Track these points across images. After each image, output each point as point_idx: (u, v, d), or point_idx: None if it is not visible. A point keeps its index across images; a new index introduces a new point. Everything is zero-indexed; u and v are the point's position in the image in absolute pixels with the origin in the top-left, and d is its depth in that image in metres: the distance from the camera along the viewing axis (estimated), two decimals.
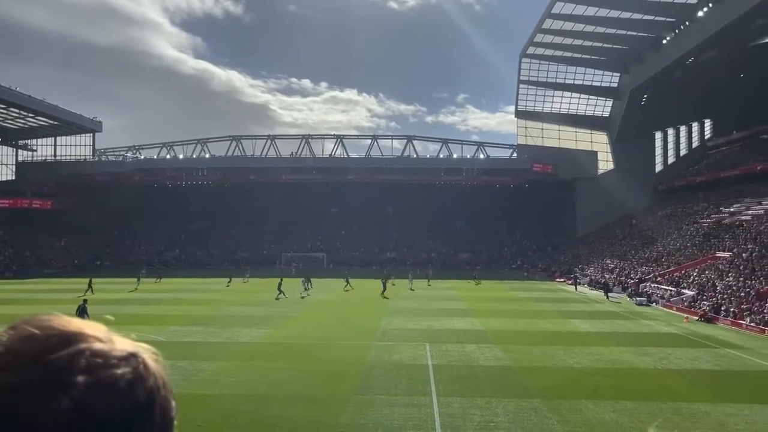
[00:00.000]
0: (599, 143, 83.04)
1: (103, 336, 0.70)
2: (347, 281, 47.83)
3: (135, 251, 79.44)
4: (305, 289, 42.46)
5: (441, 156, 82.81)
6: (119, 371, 0.68)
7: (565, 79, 76.90)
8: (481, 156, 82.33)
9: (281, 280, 42.24)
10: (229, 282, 49.67)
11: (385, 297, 39.78)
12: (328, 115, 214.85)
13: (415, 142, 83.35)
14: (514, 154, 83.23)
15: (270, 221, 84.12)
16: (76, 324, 0.70)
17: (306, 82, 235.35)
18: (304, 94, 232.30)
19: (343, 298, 40.11)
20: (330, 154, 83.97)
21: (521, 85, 79.89)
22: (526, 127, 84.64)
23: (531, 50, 72.05)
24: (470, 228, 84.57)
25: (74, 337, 0.68)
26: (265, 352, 20.61)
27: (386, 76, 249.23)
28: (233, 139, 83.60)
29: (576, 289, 48.33)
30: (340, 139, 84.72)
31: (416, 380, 16.64)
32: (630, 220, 69.30)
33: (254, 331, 24.95)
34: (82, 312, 24.04)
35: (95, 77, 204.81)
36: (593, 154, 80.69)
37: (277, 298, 38.50)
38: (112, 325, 0.77)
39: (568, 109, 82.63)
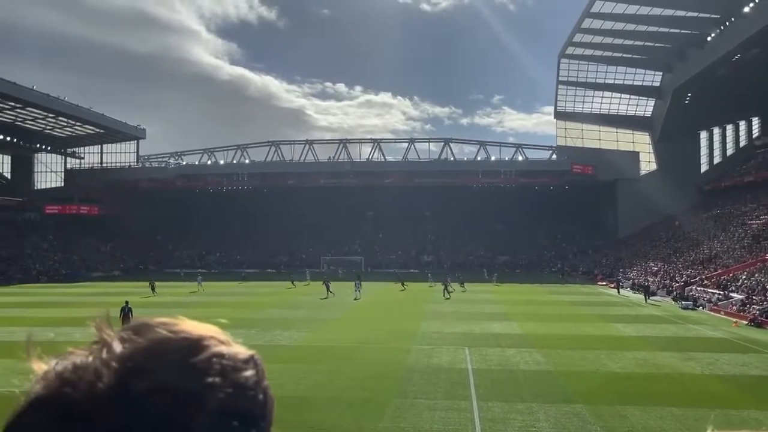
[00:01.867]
0: (641, 143, 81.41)
1: (225, 339, 0.73)
2: (402, 282, 50.24)
3: (177, 255, 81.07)
4: (356, 290, 43.12)
5: (478, 158, 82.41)
6: (247, 373, 0.71)
7: (605, 79, 75.67)
8: (520, 158, 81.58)
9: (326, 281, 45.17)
10: (293, 284, 51.84)
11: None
12: (362, 119, 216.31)
13: (452, 144, 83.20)
14: (554, 156, 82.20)
15: (308, 225, 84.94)
16: (202, 328, 0.73)
17: (341, 86, 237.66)
18: (338, 98, 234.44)
19: (381, 301, 40.19)
20: (367, 158, 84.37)
21: (560, 86, 78.92)
22: (565, 128, 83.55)
23: (570, 50, 71.10)
24: (509, 230, 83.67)
25: (205, 341, 0.70)
26: (304, 354, 20.79)
27: (420, 79, 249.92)
28: (272, 145, 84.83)
29: (618, 292, 47.37)
30: (377, 143, 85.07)
31: (456, 384, 16.56)
32: (673, 222, 67.60)
33: (294, 334, 25.20)
34: (126, 313, 24.71)
35: (136, 85, 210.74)
36: (635, 155, 79.04)
37: (324, 298, 40.76)
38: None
39: (609, 109, 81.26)
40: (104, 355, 0.66)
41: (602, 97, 79.47)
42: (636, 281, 51.20)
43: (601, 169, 76.05)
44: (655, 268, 53.90)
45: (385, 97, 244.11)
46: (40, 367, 0.67)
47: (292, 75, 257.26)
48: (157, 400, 0.62)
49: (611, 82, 76.05)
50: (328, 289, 43.42)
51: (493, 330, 26.60)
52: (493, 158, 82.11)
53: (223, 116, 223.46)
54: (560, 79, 77.49)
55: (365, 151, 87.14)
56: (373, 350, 21.60)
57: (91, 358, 0.66)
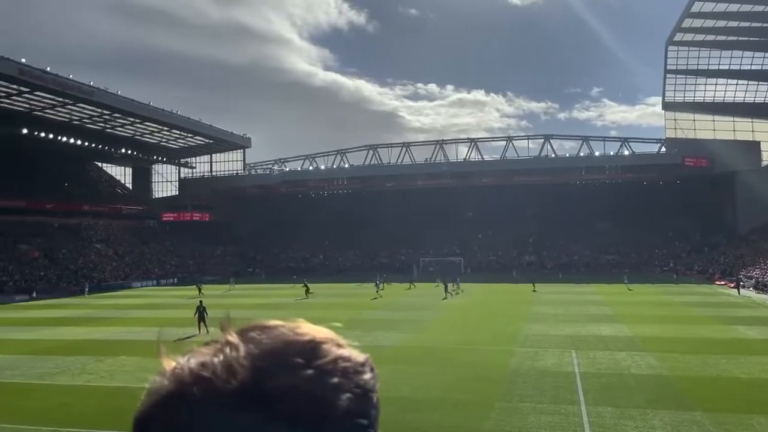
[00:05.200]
0: (762, 132, 75.50)
1: (342, 342, 0.75)
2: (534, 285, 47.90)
3: (283, 258, 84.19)
4: (448, 290, 43.85)
5: (581, 154, 79.72)
6: (366, 376, 0.73)
7: (718, 64, 70.84)
8: (625, 152, 78.13)
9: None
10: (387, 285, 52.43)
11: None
12: (455, 118, 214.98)
13: (552, 140, 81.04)
14: (663, 149, 78.10)
15: (407, 226, 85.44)
16: (321, 331, 0.74)
17: (432, 87, 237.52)
18: (430, 99, 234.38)
19: (480, 302, 39.80)
20: (464, 158, 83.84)
21: (668, 75, 74.63)
22: (674, 120, 78.95)
23: (678, 37, 67.14)
24: (615, 229, 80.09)
25: (327, 344, 0.71)
26: (407, 355, 20.93)
27: (513, 74, 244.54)
28: (370, 149, 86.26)
29: (739, 292, 44.12)
30: (474, 142, 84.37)
31: (562, 388, 16.08)
32: None
33: (395, 335, 25.44)
34: (201, 312, 26.11)
35: (237, 95, 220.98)
36: (755, 145, 73.50)
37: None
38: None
39: (724, 97, 75.94)
40: (233, 353, 0.67)
41: (716, 84, 74.39)
42: (760, 280, 47.51)
43: (717, 162, 71.30)
44: None
45: (477, 94, 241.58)
46: (169, 363, 0.68)
47: (383, 78, 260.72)
48: (289, 400, 0.63)
49: (726, 67, 71.02)
50: (307, 291, 44.69)
51: (601, 332, 25.59)
52: (596, 153, 79.16)
53: (319, 122, 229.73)
54: (668, 68, 73.27)
55: (462, 151, 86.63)
56: (475, 352, 21.42)
57: (221, 357, 0.67)
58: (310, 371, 0.66)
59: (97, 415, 13.99)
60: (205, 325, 25.65)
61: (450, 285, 45.75)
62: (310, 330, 0.73)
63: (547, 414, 13.74)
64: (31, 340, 25.69)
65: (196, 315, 26.14)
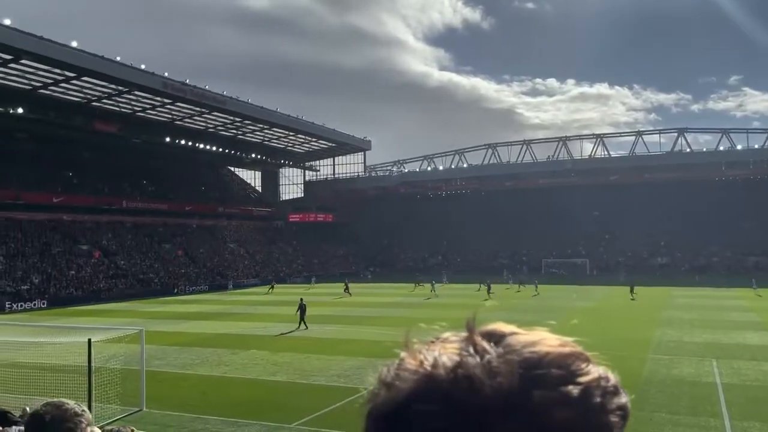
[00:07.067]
0: None
1: (590, 357, 0.70)
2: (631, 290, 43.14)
3: (402, 258, 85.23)
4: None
5: (720, 148, 73.92)
6: (624, 399, 0.68)
7: None
8: None
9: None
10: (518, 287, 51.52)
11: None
12: (576, 114, 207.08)
13: (686, 134, 75.74)
14: None
15: (528, 226, 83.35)
16: (569, 342, 0.70)
17: (551, 81, 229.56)
18: (550, 94, 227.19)
19: (605, 305, 38.03)
20: (590, 155, 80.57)
21: None
22: None
23: None
24: (761, 228, 73.21)
25: (582, 360, 0.67)
26: None
27: (640, 65, 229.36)
28: (488, 147, 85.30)
29: None
30: (599, 138, 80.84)
31: (701, 399, 15.00)
32: None
33: None
34: (302, 309, 28.21)
35: (354, 99, 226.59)
36: None
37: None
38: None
39: None
40: (489, 356, 0.63)
41: None
42: None
43: None
44: None
45: (600, 88, 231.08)
46: (415, 356, 0.64)
47: (499, 75, 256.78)
48: (558, 414, 0.60)
49: None
50: (346, 289, 46.30)
51: (746, 340, 23.54)
52: (738, 147, 72.96)
53: (436, 122, 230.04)
54: None
55: (586, 148, 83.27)
56: (604, 358, 20.35)
57: (477, 358, 0.62)
58: (574, 387, 0.62)
59: (233, 405, 14.92)
60: (303, 321, 28.04)
61: (531, 285, 46.88)
62: (559, 341, 0.68)
63: (684, 426, 12.90)
64: (175, 333, 27.88)
65: (298, 311, 28.24)
